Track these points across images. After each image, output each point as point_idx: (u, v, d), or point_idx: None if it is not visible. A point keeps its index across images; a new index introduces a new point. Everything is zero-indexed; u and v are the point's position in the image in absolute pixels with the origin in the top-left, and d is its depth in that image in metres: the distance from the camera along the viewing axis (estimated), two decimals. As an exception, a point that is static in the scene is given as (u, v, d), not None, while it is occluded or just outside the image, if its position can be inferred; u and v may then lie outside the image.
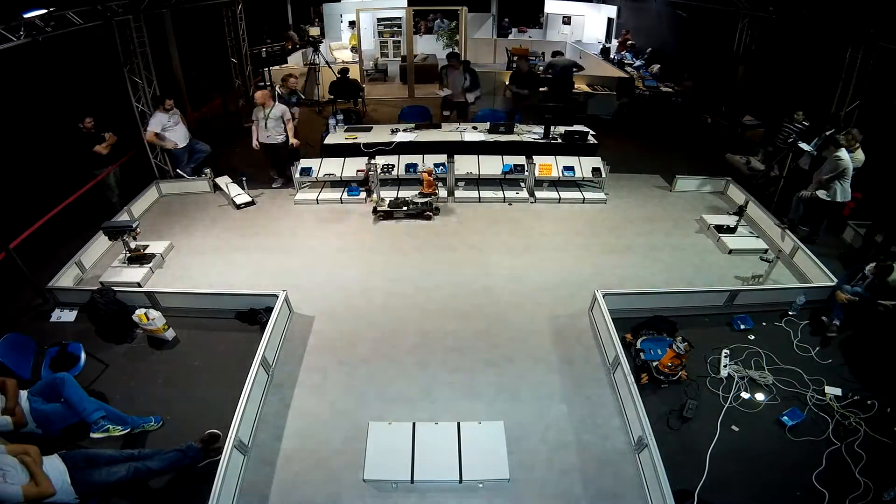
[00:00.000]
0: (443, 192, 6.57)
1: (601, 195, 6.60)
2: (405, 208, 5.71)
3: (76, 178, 6.18)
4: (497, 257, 5.39)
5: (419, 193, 5.78)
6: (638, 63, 11.54)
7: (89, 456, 2.90)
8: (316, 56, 9.78)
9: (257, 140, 6.58)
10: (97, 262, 5.38)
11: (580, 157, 6.68)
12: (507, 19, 13.93)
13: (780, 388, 3.84)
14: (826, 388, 3.81)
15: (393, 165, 6.57)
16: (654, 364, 3.84)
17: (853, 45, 6.06)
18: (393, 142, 6.84)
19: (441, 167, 6.55)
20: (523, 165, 6.58)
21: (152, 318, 4.15)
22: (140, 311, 4.16)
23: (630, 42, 12.52)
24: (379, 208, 5.73)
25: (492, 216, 6.23)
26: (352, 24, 12.16)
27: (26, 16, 4.67)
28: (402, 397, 3.77)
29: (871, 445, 3.42)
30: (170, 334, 4.29)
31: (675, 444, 3.34)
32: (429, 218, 5.73)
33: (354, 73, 10.52)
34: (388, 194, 6.54)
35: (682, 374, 3.84)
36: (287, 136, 6.59)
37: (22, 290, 4.80)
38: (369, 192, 6.08)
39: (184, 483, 3.20)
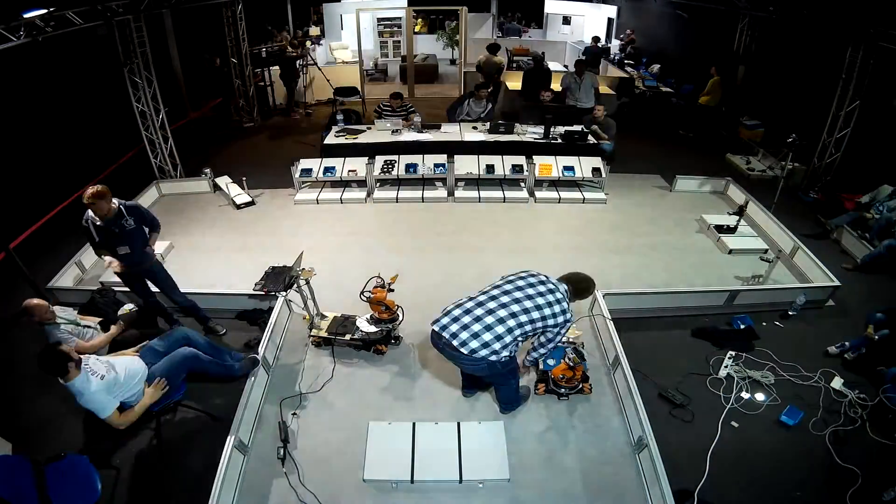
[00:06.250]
0: (443, 193, 6.58)
1: (601, 195, 6.60)
2: (348, 337, 3.99)
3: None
4: (497, 257, 5.38)
5: (371, 317, 4.00)
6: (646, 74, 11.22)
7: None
8: (304, 59, 9.78)
9: None
10: (97, 262, 5.37)
11: (580, 157, 6.68)
12: (510, 19, 13.89)
13: (780, 388, 3.84)
14: (826, 387, 3.82)
15: (393, 164, 6.58)
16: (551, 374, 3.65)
17: (853, 45, 6.06)
18: (393, 142, 6.84)
19: (441, 167, 6.55)
20: (522, 165, 6.59)
21: (152, 319, 4.13)
22: (140, 312, 4.14)
23: (635, 46, 12.46)
24: (314, 333, 4.08)
25: (492, 216, 6.23)
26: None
27: (26, 16, 4.66)
28: (403, 397, 3.77)
29: (871, 446, 3.42)
30: (170, 334, 4.28)
31: (675, 444, 3.34)
32: (380, 353, 4.09)
33: (354, 73, 10.53)
34: (388, 195, 6.58)
35: (584, 387, 3.69)
36: None
37: (22, 290, 4.79)
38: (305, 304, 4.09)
39: (184, 483, 3.21)
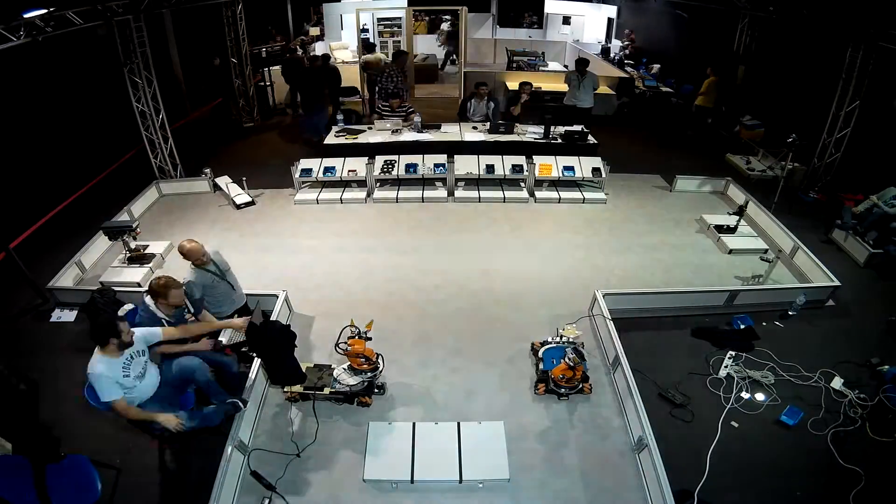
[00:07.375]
0: (443, 193, 6.58)
1: (601, 195, 6.60)
2: (327, 391, 3.53)
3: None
4: (497, 257, 5.38)
5: (348, 368, 3.56)
6: (645, 74, 11.13)
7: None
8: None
9: None
10: (97, 262, 5.38)
11: (580, 157, 6.68)
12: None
13: (780, 388, 3.84)
14: (826, 387, 3.82)
15: (393, 164, 6.58)
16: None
17: (853, 45, 6.06)
18: (393, 142, 6.84)
19: (441, 167, 6.55)
20: (522, 165, 6.59)
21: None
22: (140, 312, 4.13)
23: (635, 46, 12.43)
24: (288, 389, 3.60)
25: (492, 216, 6.23)
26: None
27: (26, 16, 4.66)
28: (403, 397, 3.77)
29: (871, 446, 3.42)
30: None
31: (675, 444, 3.34)
32: (365, 405, 3.66)
33: (355, 73, 10.49)
34: (388, 195, 6.58)
35: (584, 387, 3.70)
36: None
37: (22, 290, 4.80)
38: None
39: (184, 483, 3.22)
